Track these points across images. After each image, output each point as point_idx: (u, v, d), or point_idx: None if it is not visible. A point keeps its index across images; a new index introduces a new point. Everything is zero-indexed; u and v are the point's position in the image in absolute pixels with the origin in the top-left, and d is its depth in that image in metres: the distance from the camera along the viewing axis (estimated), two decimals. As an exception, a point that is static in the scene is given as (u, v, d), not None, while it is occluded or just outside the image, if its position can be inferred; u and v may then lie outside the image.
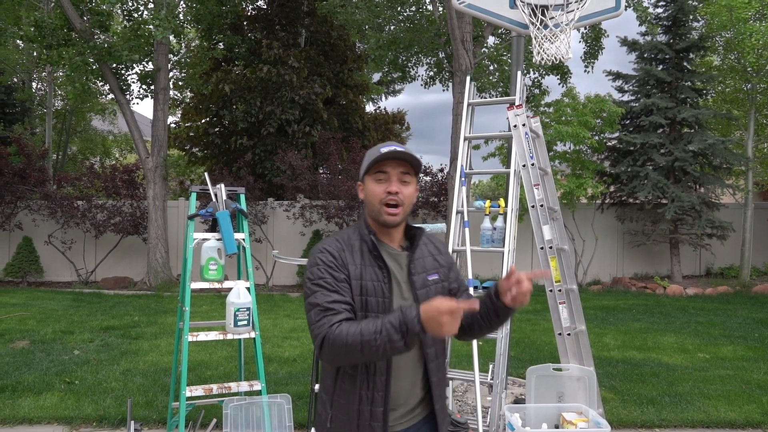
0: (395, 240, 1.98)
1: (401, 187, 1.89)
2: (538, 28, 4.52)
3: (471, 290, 4.09)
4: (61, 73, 18.70)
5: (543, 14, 4.53)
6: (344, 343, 1.69)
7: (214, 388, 3.75)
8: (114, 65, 12.66)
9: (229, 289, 3.84)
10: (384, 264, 1.89)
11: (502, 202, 4.31)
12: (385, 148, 1.88)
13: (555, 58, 4.49)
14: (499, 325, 1.93)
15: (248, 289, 3.85)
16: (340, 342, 1.70)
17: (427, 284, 1.95)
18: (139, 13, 13.53)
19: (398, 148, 1.87)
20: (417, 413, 1.96)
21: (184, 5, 14.45)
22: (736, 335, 8.00)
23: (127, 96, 13.22)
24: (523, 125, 3.98)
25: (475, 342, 3.98)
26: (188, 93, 18.36)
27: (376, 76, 20.69)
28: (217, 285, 3.88)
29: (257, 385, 3.82)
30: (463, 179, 4.35)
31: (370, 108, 21.76)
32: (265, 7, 17.19)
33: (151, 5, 13.29)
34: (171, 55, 13.84)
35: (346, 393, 1.88)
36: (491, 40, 15.00)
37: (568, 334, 3.80)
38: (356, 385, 1.86)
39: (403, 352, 1.69)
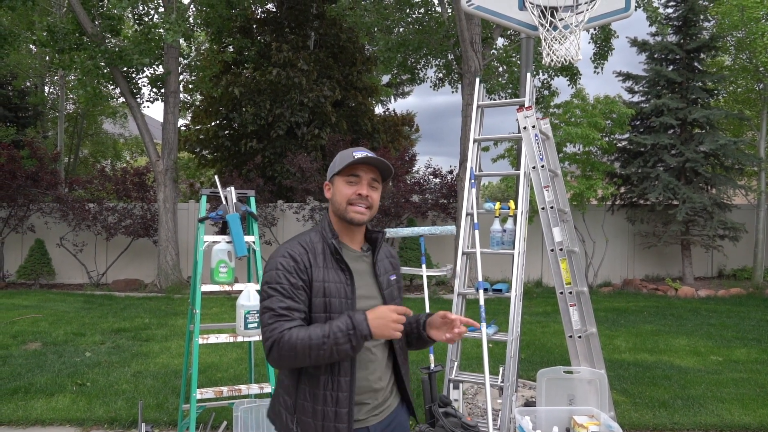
0: (356, 242, 2.05)
1: (371, 192, 1.98)
2: (548, 30, 4.51)
3: (481, 292, 4.08)
4: (72, 77, 18.87)
5: (552, 15, 4.52)
6: (293, 349, 1.76)
7: (225, 390, 3.76)
8: (125, 69, 12.76)
9: (239, 292, 3.85)
10: (346, 266, 1.94)
11: (512, 204, 4.29)
12: (359, 153, 1.96)
13: (565, 59, 4.47)
14: (415, 348, 2.12)
15: (258, 291, 3.86)
16: (289, 347, 1.76)
17: (390, 284, 2.07)
18: (150, 17, 13.62)
19: (371, 155, 1.96)
20: (388, 405, 2.04)
21: (194, 9, 14.53)
22: (750, 338, 7.93)
23: (138, 99, 13.32)
24: (533, 127, 3.97)
25: (485, 344, 3.96)
26: (198, 96, 18.47)
27: (385, 78, 20.71)
28: (227, 287, 3.89)
29: (267, 388, 3.83)
30: (472, 181, 4.34)
31: (379, 110, 21.79)
32: (274, 10, 17.27)
33: (161, 9, 13.38)
34: (181, 59, 13.93)
35: (309, 395, 1.89)
36: (500, 41, 15.00)
37: (579, 337, 3.78)
38: (320, 386, 1.87)
39: (349, 355, 1.78)
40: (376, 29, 13.96)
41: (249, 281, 4.21)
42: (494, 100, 14.59)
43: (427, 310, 4.23)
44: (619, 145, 13.16)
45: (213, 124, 17.30)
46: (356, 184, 1.97)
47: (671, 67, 12.84)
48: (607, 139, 12.48)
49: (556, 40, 4.48)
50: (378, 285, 2.02)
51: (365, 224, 2.03)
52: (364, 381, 1.94)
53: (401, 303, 2.12)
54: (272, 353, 1.78)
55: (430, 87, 16.76)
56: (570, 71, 14.49)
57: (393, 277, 2.10)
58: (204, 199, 4.07)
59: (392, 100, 24.40)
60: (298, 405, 1.90)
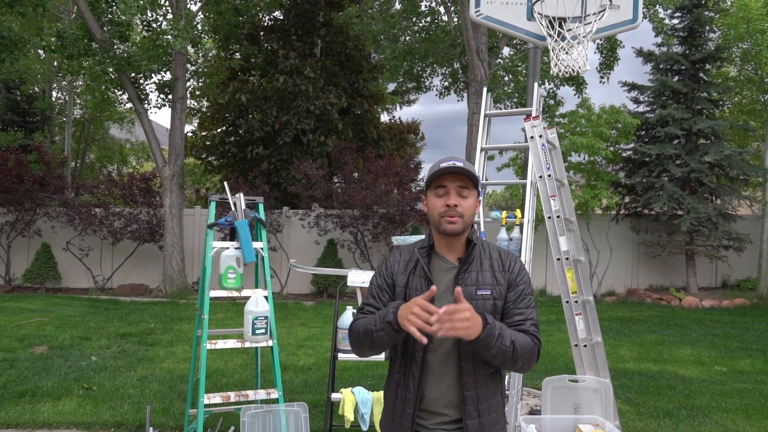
0: (455, 253, 2.04)
1: (460, 200, 1.96)
2: (556, 40, 4.55)
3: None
4: (80, 83, 19.00)
5: (560, 26, 4.56)
6: (355, 335, 1.97)
7: (232, 395, 3.78)
8: (133, 75, 12.86)
9: (246, 298, 3.88)
10: (427, 277, 2.00)
11: (518, 212, 4.32)
12: (446, 163, 1.96)
13: (572, 69, 4.51)
14: (483, 357, 1.89)
15: (266, 297, 3.89)
16: (353, 334, 1.97)
17: (474, 297, 1.96)
18: (158, 23, 13.73)
19: (456, 163, 1.95)
20: (461, 426, 1.99)
21: (201, 16, 14.64)
22: (754, 348, 7.92)
23: (145, 105, 13.40)
24: (540, 136, 4.00)
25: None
26: (205, 102, 18.57)
27: (391, 86, 20.79)
28: (235, 293, 3.92)
29: (274, 393, 3.85)
30: (479, 190, 4.37)
31: (384, 118, 21.86)
32: (281, 17, 17.37)
33: (169, 16, 13.49)
34: (189, 65, 14.02)
35: (389, 389, 2.12)
36: (506, 50, 15.06)
37: (584, 346, 3.79)
38: (395, 383, 2.07)
39: (384, 341, 1.88)
40: (382, 37, 14.04)
41: (256, 287, 4.24)
42: (500, 109, 14.64)
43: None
44: (624, 154, 13.18)
45: (219, 130, 17.39)
46: (444, 195, 1.97)
47: (677, 77, 12.87)
48: (612, 148, 12.50)
49: (563, 50, 4.52)
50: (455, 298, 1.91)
51: (460, 233, 1.98)
52: (429, 392, 1.99)
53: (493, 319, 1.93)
54: (349, 341, 2.01)
55: (436, 95, 16.83)
56: (576, 81, 14.54)
57: (483, 292, 1.98)
58: (213, 205, 4.11)
59: (398, 108, 24.48)
60: (385, 395, 2.14)
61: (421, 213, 12.84)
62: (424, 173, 15.57)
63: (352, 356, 3.99)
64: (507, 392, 4.03)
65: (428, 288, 1.94)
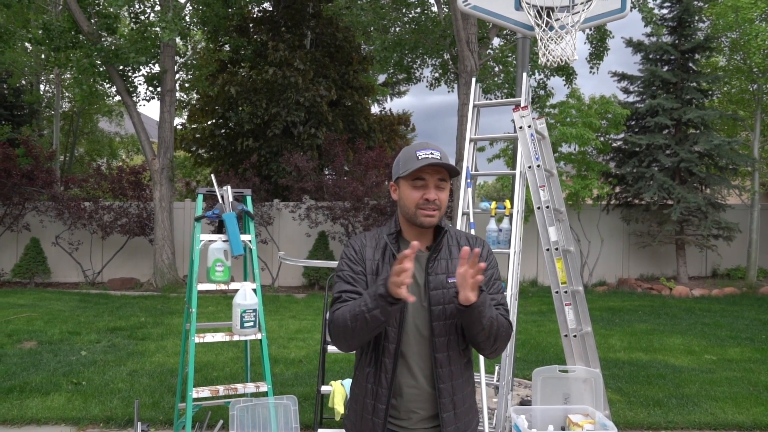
0: (423, 239, 1.97)
1: (438, 193, 1.90)
2: (544, 30, 4.52)
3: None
4: (68, 76, 18.80)
5: (548, 16, 4.53)
6: (340, 323, 1.82)
7: (221, 389, 3.77)
8: (121, 67, 12.74)
9: (235, 291, 3.85)
10: None
11: (507, 203, 4.31)
12: (423, 153, 1.88)
13: (561, 59, 4.49)
14: (473, 331, 1.84)
15: (255, 290, 3.87)
16: (338, 323, 1.83)
17: (445, 285, 1.92)
18: (146, 15, 13.59)
19: (436, 156, 1.87)
20: (437, 422, 1.95)
21: (190, 7, 14.51)
22: (743, 337, 7.97)
23: (134, 98, 13.29)
24: (529, 127, 3.98)
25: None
26: (194, 95, 18.43)
27: (382, 78, 20.71)
28: (223, 286, 3.89)
29: (264, 387, 3.83)
30: (468, 181, 4.36)
31: (375, 109, 21.80)
32: (270, 9, 17.25)
33: (157, 8, 13.35)
34: (177, 57, 13.90)
35: (358, 384, 2.01)
36: (496, 41, 15.01)
37: (575, 336, 3.80)
38: (365, 377, 1.97)
39: (380, 320, 1.74)
40: (372, 28, 13.96)
41: (245, 280, 4.21)
42: (490, 99, 14.61)
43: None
44: (615, 145, 13.21)
45: (209, 122, 17.28)
46: (423, 188, 1.89)
47: (666, 67, 12.89)
48: (602, 139, 12.52)
49: (552, 40, 4.50)
50: (426, 284, 1.92)
51: (436, 226, 1.96)
52: (406, 388, 1.92)
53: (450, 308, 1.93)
54: (331, 333, 1.87)
55: (426, 86, 16.76)
56: (566, 71, 14.52)
57: (454, 280, 1.88)
58: (200, 198, 4.07)
59: (388, 99, 24.40)
60: (352, 391, 2.04)
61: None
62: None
63: (342, 348, 3.98)
64: (498, 383, 4.04)
65: None
